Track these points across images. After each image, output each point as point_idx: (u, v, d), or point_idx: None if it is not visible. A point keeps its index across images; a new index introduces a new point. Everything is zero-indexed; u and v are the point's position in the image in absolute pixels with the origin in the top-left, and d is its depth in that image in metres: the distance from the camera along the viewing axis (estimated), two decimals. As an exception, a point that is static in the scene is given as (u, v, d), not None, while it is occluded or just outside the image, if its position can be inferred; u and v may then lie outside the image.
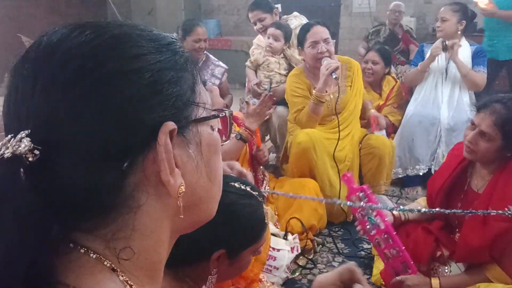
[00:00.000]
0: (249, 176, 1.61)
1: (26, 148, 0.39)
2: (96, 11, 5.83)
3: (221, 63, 3.32)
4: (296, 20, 3.43)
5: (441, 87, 3.13)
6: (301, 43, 2.67)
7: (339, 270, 0.79)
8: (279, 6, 3.52)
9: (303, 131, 2.55)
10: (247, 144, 2.28)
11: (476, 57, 3.07)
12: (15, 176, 0.38)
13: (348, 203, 1.73)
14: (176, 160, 0.45)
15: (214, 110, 0.52)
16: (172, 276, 0.96)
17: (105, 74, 0.42)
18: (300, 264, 2.20)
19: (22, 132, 0.40)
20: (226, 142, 1.95)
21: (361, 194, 1.68)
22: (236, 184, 1.08)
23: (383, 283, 1.94)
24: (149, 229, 0.46)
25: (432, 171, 2.95)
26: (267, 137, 3.27)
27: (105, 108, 0.41)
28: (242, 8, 6.81)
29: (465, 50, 3.07)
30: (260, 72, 3.26)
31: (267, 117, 2.53)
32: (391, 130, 3.31)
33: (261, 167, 2.63)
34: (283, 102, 2.92)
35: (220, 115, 0.52)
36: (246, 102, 3.03)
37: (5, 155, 0.39)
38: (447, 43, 3.01)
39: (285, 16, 3.54)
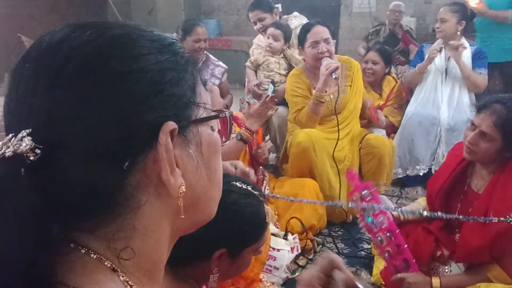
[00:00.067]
0: (252, 175, 1.61)
1: (27, 147, 0.39)
2: (96, 11, 5.83)
3: (221, 63, 3.31)
4: (296, 20, 3.42)
5: (441, 87, 3.13)
6: (301, 43, 2.67)
7: (319, 263, 0.76)
8: (279, 6, 3.52)
9: (302, 131, 2.55)
10: (247, 144, 2.28)
11: (476, 58, 3.06)
12: (16, 175, 0.38)
13: (350, 204, 1.73)
14: (176, 160, 0.45)
15: (215, 110, 0.52)
16: (173, 276, 0.96)
17: (106, 74, 0.42)
18: (300, 264, 2.20)
19: (23, 131, 0.40)
20: (226, 143, 1.96)
21: (365, 192, 1.68)
22: (238, 184, 1.08)
23: (383, 283, 1.94)
24: (149, 229, 0.46)
25: (433, 171, 2.95)
26: (267, 137, 3.27)
27: (106, 108, 0.41)
28: (242, 8, 6.81)
29: (466, 51, 3.06)
30: (260, 72, 3.26)
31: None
32: (391, 130, 3.30)
33: (261, 167, 2.63)
34: (283, 102, 2.92)
35: (221, 116, 0.53)
36: (248, 102, 3.03)
37: (6, 154, 0.38)
38: (451, 43, 2.98)
39: (285, 16, 3.54)
